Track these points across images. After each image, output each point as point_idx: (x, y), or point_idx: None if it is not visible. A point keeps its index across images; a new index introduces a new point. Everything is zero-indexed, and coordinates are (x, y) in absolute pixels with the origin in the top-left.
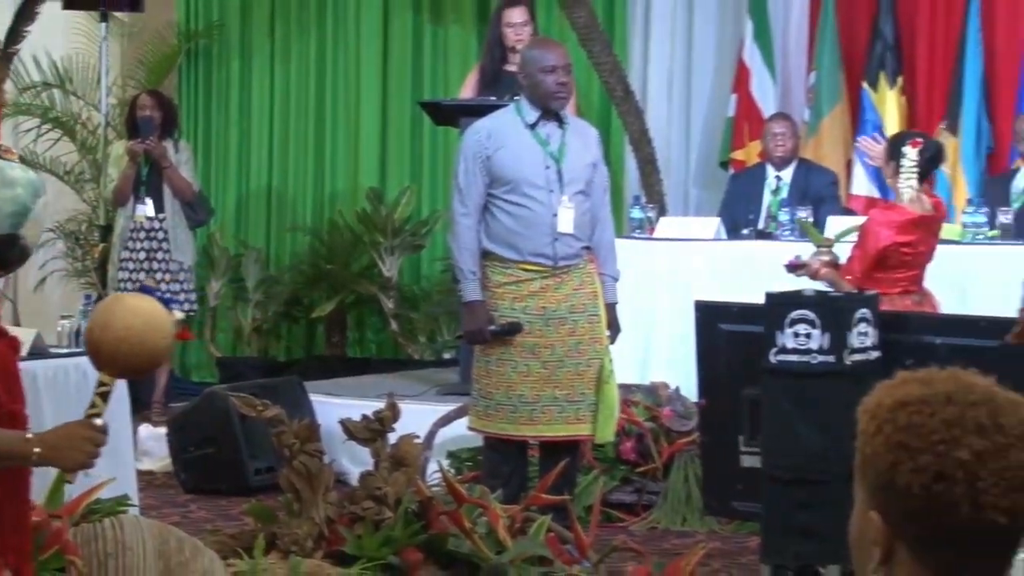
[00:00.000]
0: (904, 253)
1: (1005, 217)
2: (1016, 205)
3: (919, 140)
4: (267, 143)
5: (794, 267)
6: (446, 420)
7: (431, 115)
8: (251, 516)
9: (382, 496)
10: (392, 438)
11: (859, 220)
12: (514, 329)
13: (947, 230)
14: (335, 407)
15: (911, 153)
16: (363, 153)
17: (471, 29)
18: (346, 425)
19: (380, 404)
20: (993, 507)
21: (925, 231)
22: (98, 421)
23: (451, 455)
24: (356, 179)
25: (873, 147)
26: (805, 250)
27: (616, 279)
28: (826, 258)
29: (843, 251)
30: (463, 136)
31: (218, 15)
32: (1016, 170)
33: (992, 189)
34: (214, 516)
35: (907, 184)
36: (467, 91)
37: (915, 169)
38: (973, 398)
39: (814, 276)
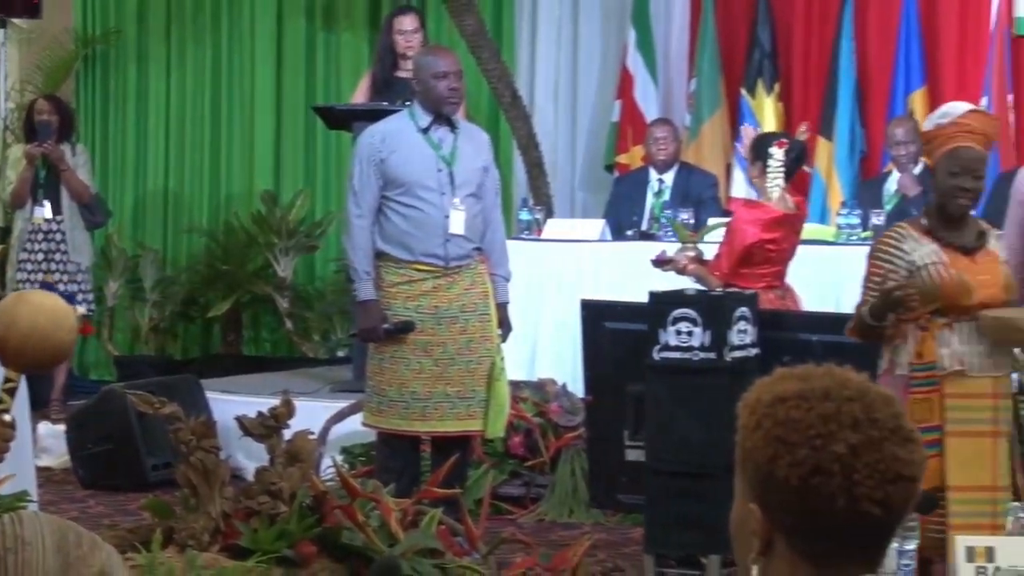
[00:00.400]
0: (769, 250)
1: (878, 219)
2: (888, 207)
3: (784, 141)
4: (163, 146)
5: (660, 262)
6: (340, 416)
7: (324, 119)
8: (148, 511)
9: (277, 491)
10: (287, 434)
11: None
12: (407, 327)
13: (822, 231)
14: (231, 404)
15: (778, 153)
16: (258, 156)
17: (363, 36)
18: (242, 422)
19: (275, 401)
20: (868, 499)
21: (788, 229)
22: (6, 416)
23: (345, 451)
24: (251, 182)
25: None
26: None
27: (508, 279)
28: (691, 254)
29: (707, 248)
30: (357, 140)
31: (115, 21)
32: (888, 173)
33: (865, 192)
34: (112, 511)
35: (775, 183)
36: (359, 96)
37: (782, 168)
38: (848, 394)
39: (681, 271)
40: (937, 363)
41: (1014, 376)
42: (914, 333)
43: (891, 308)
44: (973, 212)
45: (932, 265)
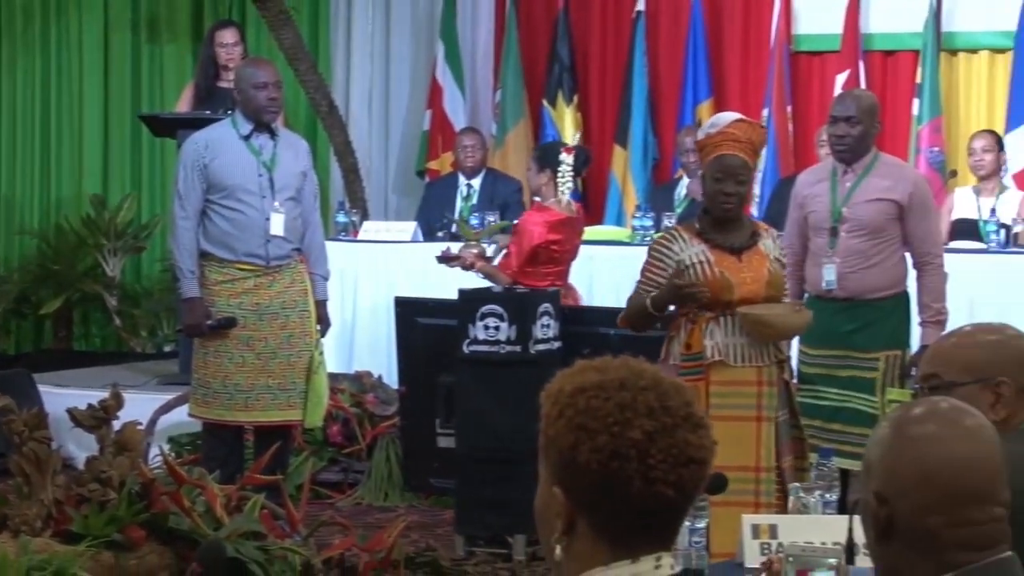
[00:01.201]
0: (553, 250)
1: (669, 221)
2: (679, 210)
3: (571, 147)
4: None
5: (446, 259)
6: (167, 408)
7: (150, 127)
8: None
9: (107, 479)
10: (116, 425)
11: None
12: (230, 323)
13: (618, 233)
14: (62, 397)
15: (567, 159)
16: (87, 162)
17: (186, 48)
18: (73, 413)
19: (105, 394)
20: (662, 481)
21: (571, 231)
22: None
23: (172, 440)
24: (80, 186)
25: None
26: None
27: (326, 278)
28: (475, 251)
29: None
30: (182, 146)
31: None
32: (679, 179)
33: (658, 196)
34: None
35: (566, 185)
36: (183, 105)
37: (571, 173)
38: (643, 383)
39: (468, 268)
40: (702, 353)
41: (795, 365)
42: (685, 326)
43: (680, 301)
44: (755, 213)
45: (697, 264)
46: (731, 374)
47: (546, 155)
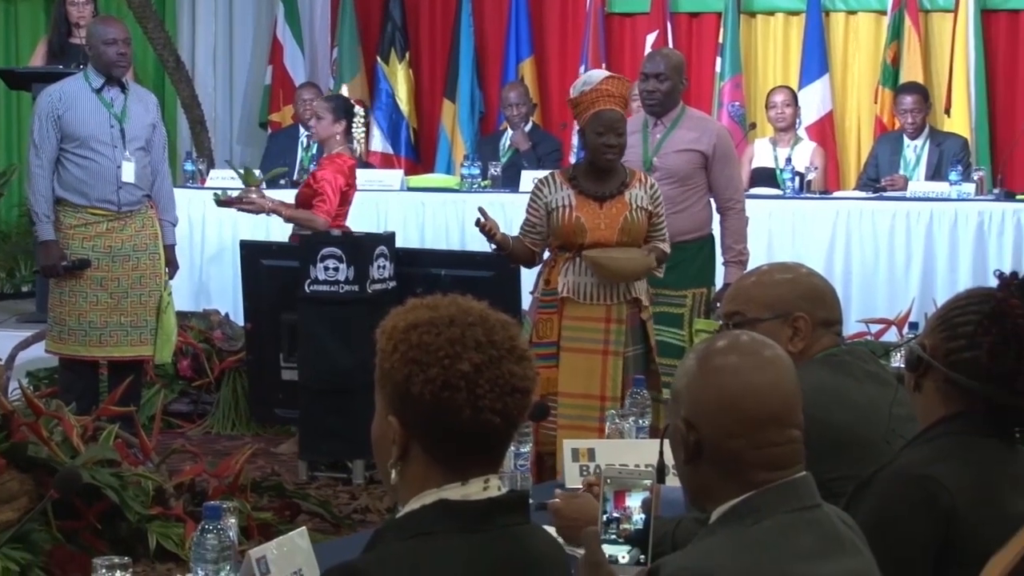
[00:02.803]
0: (348, 193)
1: (495, 170)
2: (504, 160)
3: (360, 101)
4: None
5: (226, 203)
6: (25, 344)
7: (6, 81)
8: None
9: None
10: None
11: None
12: (84, 264)
13: (448, 181)
14: None
15: (360, 111)
16: None
17: (39, 6)
18: None
19: None
20: (490, 410)
21: (354, 176)
22: None
23: (30, 374)
24: None
25: None
26: None
27: (174, 224)
28: (254, 195)
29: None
30: (37, 99)
31: None
32: (503, 131)
33: (484, 146)
34: None
35: (359, 134)
36: (37, 60)
37: (363, 122)
38: (471, 319)
39: (263, 212)
40: (556, 289)
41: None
42: (550, 263)
43: (488, 239)
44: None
45: (560, 208)
46: (581, 310)
47: (342, 107)
